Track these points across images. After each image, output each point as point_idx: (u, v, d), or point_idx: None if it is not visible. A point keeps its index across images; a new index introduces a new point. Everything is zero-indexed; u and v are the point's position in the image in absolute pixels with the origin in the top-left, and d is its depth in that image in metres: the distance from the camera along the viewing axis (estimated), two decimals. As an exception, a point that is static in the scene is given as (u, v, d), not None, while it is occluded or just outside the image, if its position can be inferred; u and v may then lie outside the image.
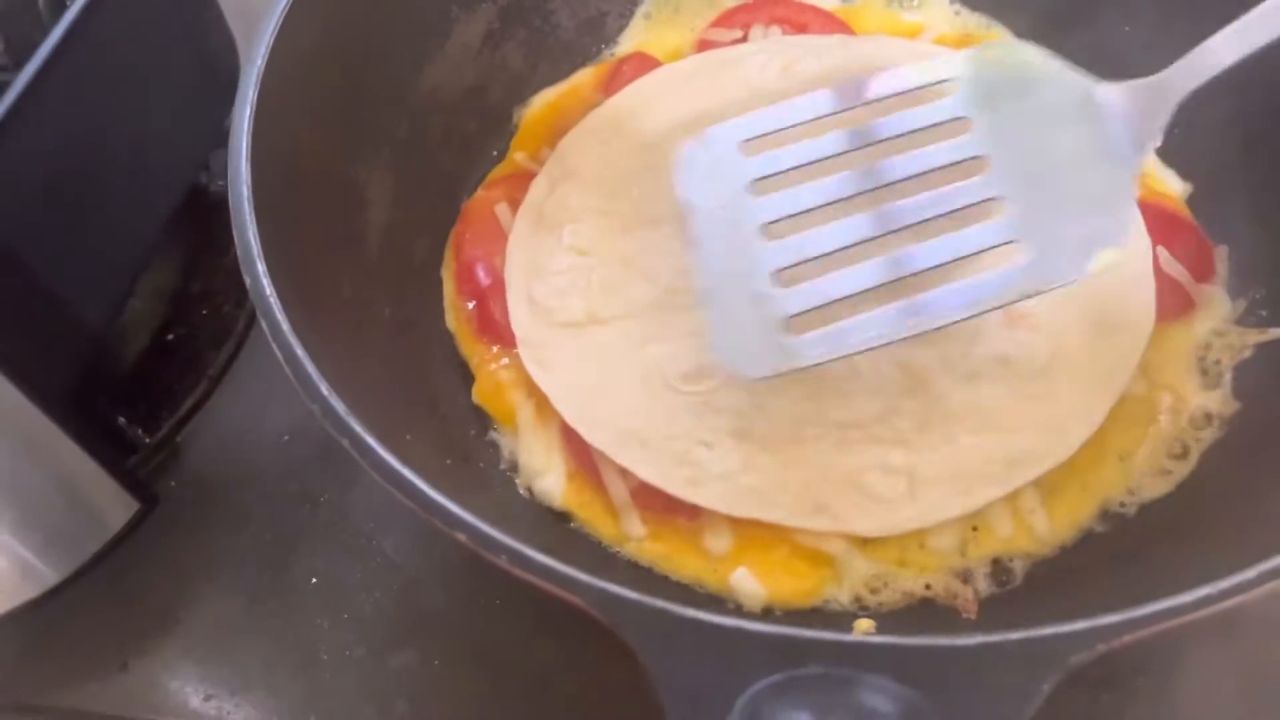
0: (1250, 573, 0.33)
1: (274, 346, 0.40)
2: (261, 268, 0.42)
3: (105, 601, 0.57)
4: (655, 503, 0.51)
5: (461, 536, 0.36)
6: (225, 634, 0.57)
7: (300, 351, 0.40)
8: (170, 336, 0.64)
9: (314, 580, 0.58)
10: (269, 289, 0.41)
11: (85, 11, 0.52)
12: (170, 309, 0.65)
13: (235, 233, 0.43)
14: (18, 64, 0.50)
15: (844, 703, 0.31)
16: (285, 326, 0.40)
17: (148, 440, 0.60)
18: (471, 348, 0.57)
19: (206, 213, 0.67)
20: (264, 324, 0.41)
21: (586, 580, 0.34)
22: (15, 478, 0.50)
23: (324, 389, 0.39)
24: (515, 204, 0.60)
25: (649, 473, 0.50)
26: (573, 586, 0.34)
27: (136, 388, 0.62)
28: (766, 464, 0.50)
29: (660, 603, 0.33)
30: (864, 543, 0.50)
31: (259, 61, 0.48)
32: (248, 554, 0.59)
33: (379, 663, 0.55)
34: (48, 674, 0.56)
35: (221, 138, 0.64)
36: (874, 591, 0.50)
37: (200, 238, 0.67)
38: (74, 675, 0.56)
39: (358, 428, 0.38)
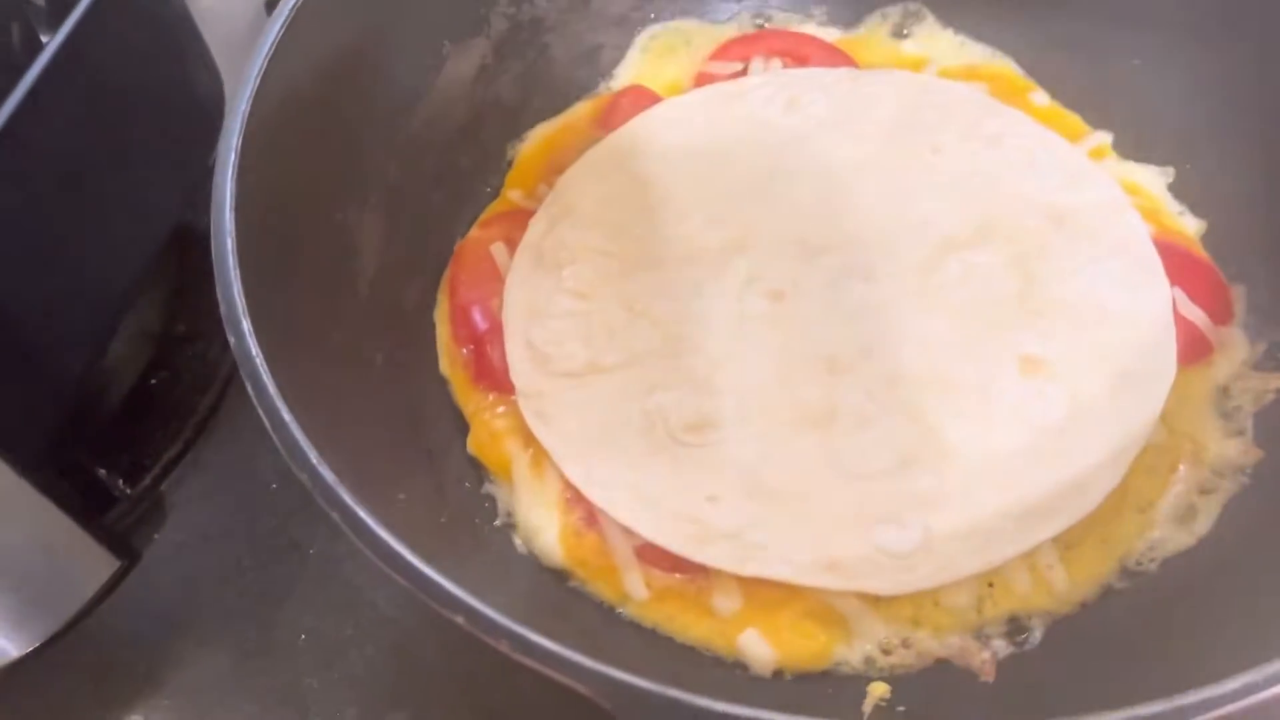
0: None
1: (260, 411, 0.38)
2: (247, 325, 0.40)
3: (85, 663, 0.55)
4: (661, 561, 0.49)
5: (460, 619, 0.34)
6: (211, 696, 0.54)
7: (287, 417, 0.38)
8: (154, 381, 0.62)
9: (303, 637, 0.56)
10: (254, 349, 0.39)
11: (65, 46, 0.50)
12: (154, 352, 0.63)
13: (219, 287, 0.41)
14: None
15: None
16: (271, 390, 0.38)
17: (129, 492, 0.58)
18: (467, 395, 0.55)
19: (192, 250, 0.65)
20: (249, 387, 0.39)
21: (593, 667, 0.32)
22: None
23: (313, 457, 0.37)
24: (511, 243, 0.58)
25: (653, 532, 0.48)
26: (578, 674, 0.32)
27: (118, 436, 0.60)
28: (775, 519, 0.48)
29: (673, 691, 0.31)
30: (877, 601, 0.48)
31: (244, 104, 0.46)
32: (234, 609, 0.57)
33: (373, 723, 0.53)
34: (25, 740, 0.54)
35: (206, 173, 0.63)
36: (887, 653, 0.48)
37: (185, 276, 0.65)
38: (53, 741, 0.54)
39: (348, 499, 0.36)
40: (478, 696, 0.53)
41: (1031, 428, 0.50)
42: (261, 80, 0.47)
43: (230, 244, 0.42)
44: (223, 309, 0.41)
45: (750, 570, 0.47)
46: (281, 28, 0.47)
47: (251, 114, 0.46)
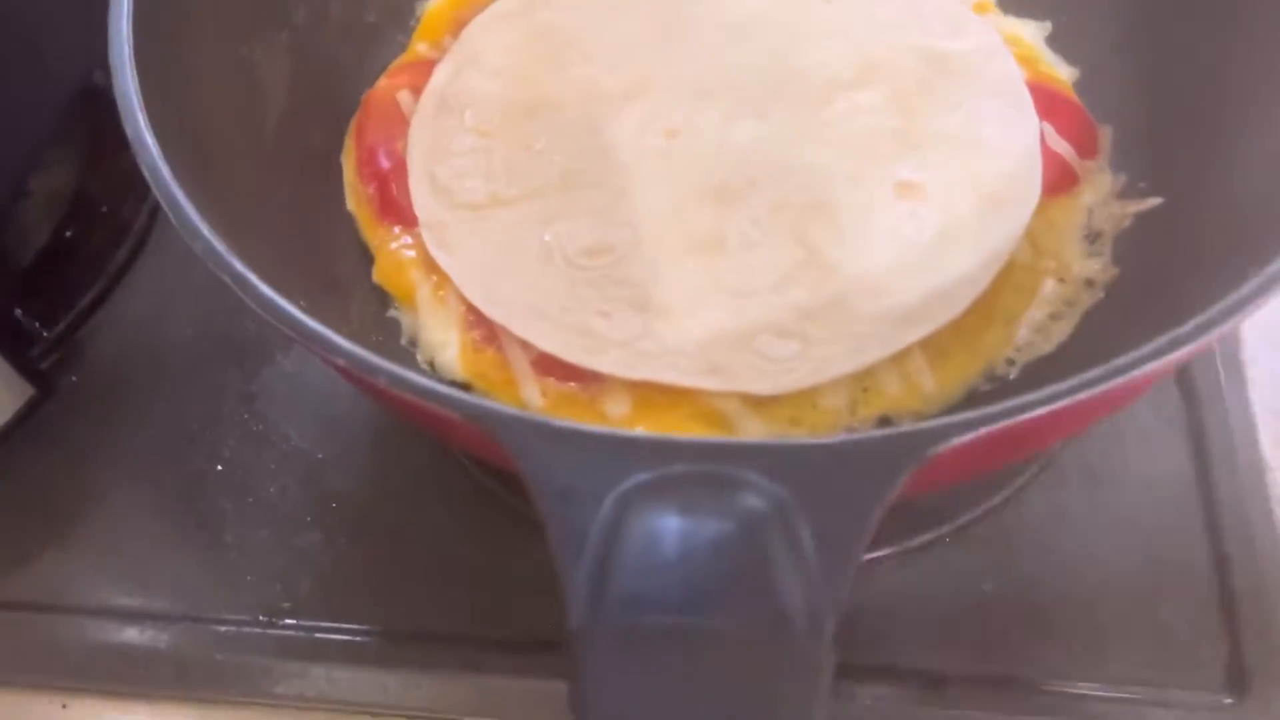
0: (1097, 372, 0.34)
1: (155, 190, 0.40)
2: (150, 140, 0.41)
3: (9, 495, 0.57)
4: (556, 371, 0.51)
5: (341, 362, 0.36)
6: (131, 524, 0.57)
7: (179, 193, 0.39)
8: (69, 234, 0.63)
9: (219, 468, 0.58)
10: (147, 130, 0.40)
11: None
12: (68, 209, 0.64)
13: (118, 97, 0.42)
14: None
15: (712, 495, 0.32)
16: (164, 171, 0.40)
17: (45, 334, 0.59)
18: (372, 230, 0.57)
19: (102, 114, 0.66)
20: (143, 169, 0.40)
21: (467, 399, 0.34)
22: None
23: (204, 230, 0.39)
24: (418, 92, 0.60)
25: (550, 344, 0.51)
26: (452, 404, 0.34)
27: (34, 285, 0.61)
28: (663, 331, 0.51)
29: (538, 416, 0.34)
30: (758, 404, 0.51)
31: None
32: (151, 446, 0.59)
33: (284, 544, 0.55)
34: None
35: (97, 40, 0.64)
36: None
37: (97, 139, 0.66)
38: (-20, 567, 0.56)
39: (239, 266, 0.38)
40: (384, 518, 0.56)
41: (905, 244, 0.53)
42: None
43: (128, 51, 0.43)
44: (124, 121, 0.42)
45: (639, 374, 0.50)
46: None
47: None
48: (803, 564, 0.31)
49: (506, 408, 0.34)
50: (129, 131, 0.42)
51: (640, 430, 0.33)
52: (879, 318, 0.51)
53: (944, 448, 0.32)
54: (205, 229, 0.39)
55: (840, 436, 0.33)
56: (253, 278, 0.38)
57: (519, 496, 0.55)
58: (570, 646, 0.30)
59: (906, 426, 0.33)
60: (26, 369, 0.54)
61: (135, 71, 0.43)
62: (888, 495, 0.32)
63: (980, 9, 0.63)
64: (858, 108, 0.57)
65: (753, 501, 0.32)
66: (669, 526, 0.31)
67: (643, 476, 0.32)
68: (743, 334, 0.51)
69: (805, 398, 0.51)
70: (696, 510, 0.32)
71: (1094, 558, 0.52)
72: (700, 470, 0.32)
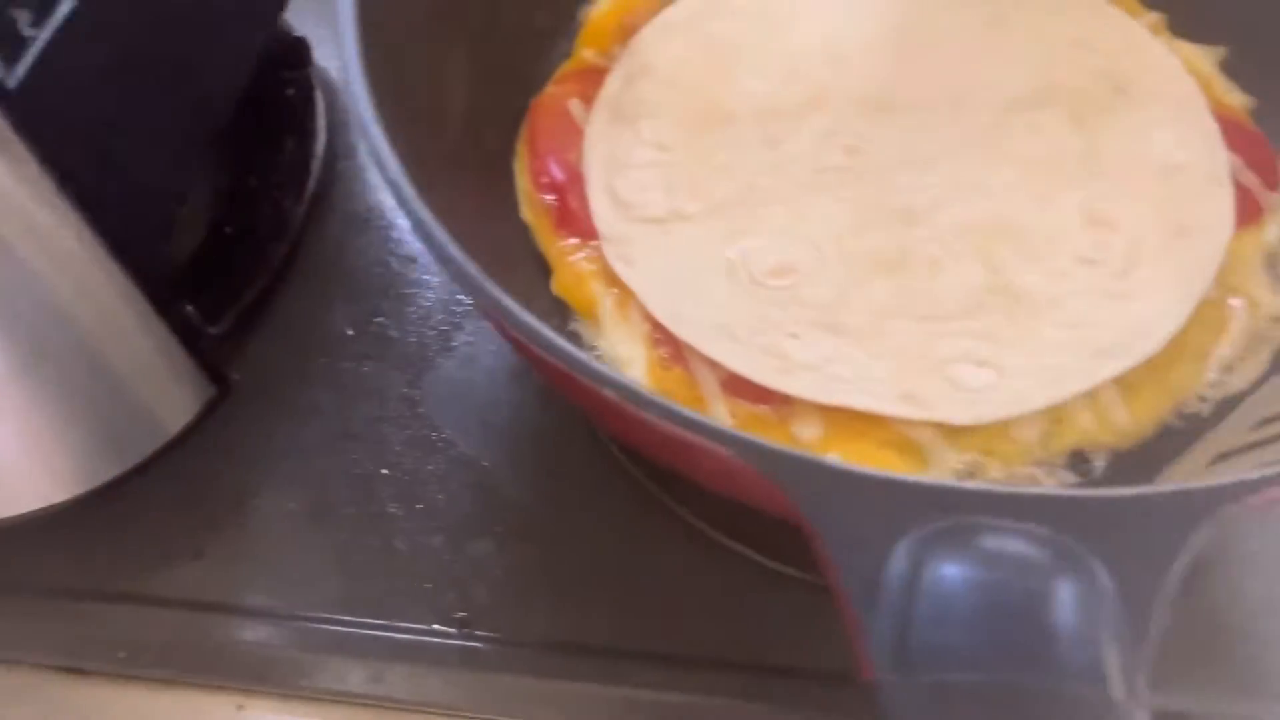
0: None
1: (401, 206, 0.40)
2: (388, 149, 0.41)
3: (175, 491, 0.57)
4: (746, 393, 0.51)
5: (611, 395, 0.36)
6: (299, 522, 0.57)
7: (425, 214, 0.39)
8: (229, 230, 0.63)
9: (385, 472, 0.58)
10: (394, 163, 0.40)
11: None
12: (227, 205, 0.64)
13: (354, 116, 0.42)
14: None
15: (1010, 547, 0.32)
16: (409, 191, 0.40)
17: (212, 331, 0.59)
18: (549, 240, 0.57)
19: (261, 109, 0.66)
20: (390, 189, 0.40)
21: (741, 434, 0.34)
22: (101, 359, 0.49)
23: (439, 233, 0.38)
24: (587, 100, 0.60)
25: (739, 364, 0.50)
26: (726, 439, 0.34)
27: (197, 280, 0.61)
28: (854, 355, 0.51)
29: (817, 456, 0.34)
30: (951, 433, 0.50)
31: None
32: (317, 445, 0.59)
33: (457, 551, 0.55)
34: (122, 561, 0.56)
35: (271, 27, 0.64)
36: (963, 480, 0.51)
37: (257, 134, 0.66)
38: (148, 562, 0.56)
39: (491, 288, 0.38)
40: (557, 531, 0.56)
41: (1096, 274, 0.52)
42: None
43: (359, 65, 0.43)
44: (364, 138, 0.42)
45: (834, 399, 0.50)
46: None
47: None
48: (1108, 620, 0.30)
49: (789, 447, 0.34)
50: (368, 133, 0.41)
51: (914, 477, 0.33)
52: (1073, 350, 0.51)
53: (1250, 499, 0.32)
54: (456, 250, 0.39)
55: (1137, 489, 0.32)
56: (506, 300, 0.38)
57: (694, 511, 0.55)
58: (877, 699, 0.30)
59: (1201, 484, 0.33)
60: (209, 368, 0.53)
61: (366, 75, 0.43)
62: (1190, 548, 0.31)
63: (1153, 32, 0.62)
64: (1038, 129, 0.57)
65: (1051, 554, 0.31)
66: (969, 578, 0.31)
67: (934, 524, 0.32)
68: (935, 361, 0.51)
69: (998, 429, 0.50)
70: (997, 563, 0.32)
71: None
72: (994, 522, 0.32)
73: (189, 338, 0.52)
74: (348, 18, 0.44)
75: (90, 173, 0.43)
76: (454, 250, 0.38)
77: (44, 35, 0.42)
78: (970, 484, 0.33)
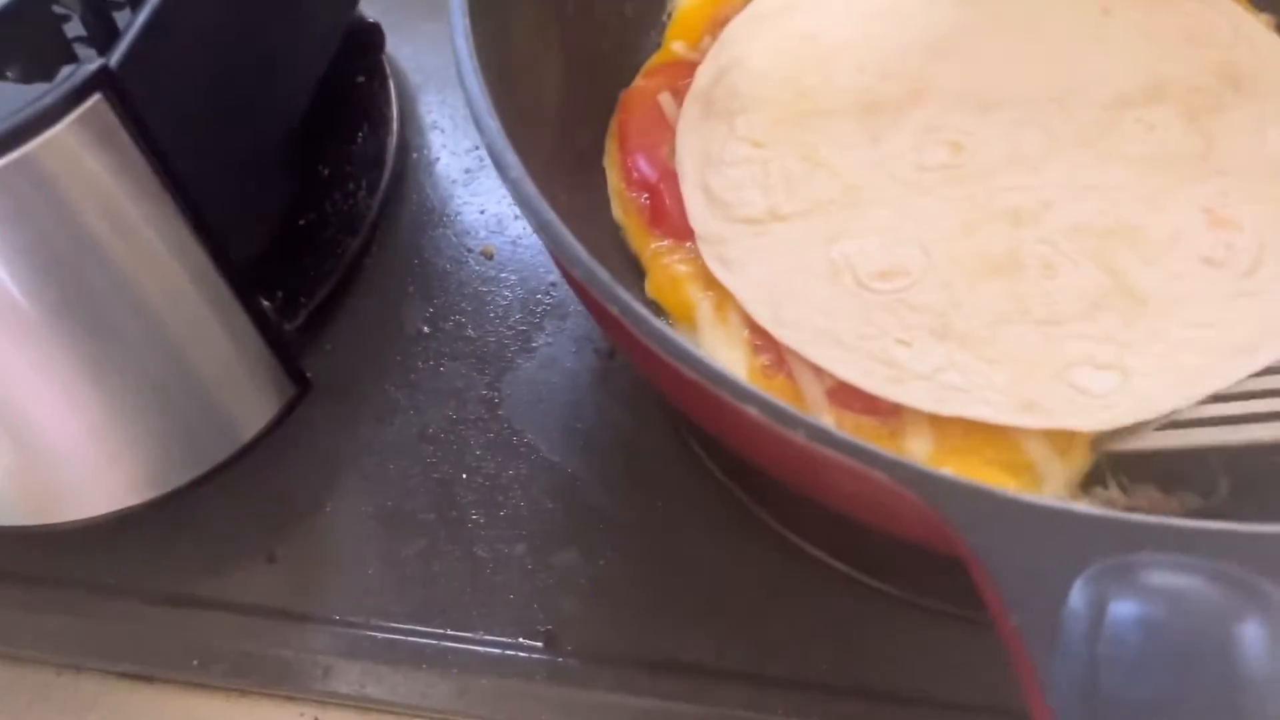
0: None
1: (524, 212, 0.38)
2: (495, 125, 0.39)
3: (248, 493, 0.55)
4: (853, 403, 0.49)
5: (753, 411, 0.33)
6: (377, 527, 0.55)
7: (550, 215, 0.37)
8: (302, 222, 0.61)
9: (465, 476, 0.56)
10: (510, 153, 0.38)
11: None
12: (300, 196, 0.62)
13: (464, 93, 0.40)
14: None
15: (1187, 588, 0.30)
16: (531, 190, 0.38)
17: (287, 327, 0.57)
18: (642, 241, 0.54)
19: (333, 98, 0.64)
20: (511, 189, 0.38)
21: (905, 461, 0.32)
22: (180, 361, 0.47)
23: (584, 255, 0.36)
24: (677, 93, 0.58)
25: (848, 371, 0.48)
26: (888, 466, 0.32)
27: (272, 274, 0.59)
28: (968, 362, 0.48)
29: (985, 485, 0.31)
30: (1064, 450, 0.48)
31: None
32: (394, 447, 0.57)
33: (541, 561, 0.53)
34: (195, 565, 0.54)
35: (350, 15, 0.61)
36: (1073, 499, 0.48)
37: (328, 123, 0.64)
38: (221, 566, 0.54)
39: (624, 295, 0.36)
40: (643, 540, 0.54)
41: (1221, 275, 0.50)
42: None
43: (466, 45, 0.41)
44: (470, 110, 0.40)
45: (949, 409, 0.47)
46: None
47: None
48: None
49: (956, 477, 0.31)
50: (485, 130, 0.39)
51: (1091, 510, 0.31)
52: (1204, 349, 0.48)
53: None
54: (583, 254, 0.36)
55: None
56: (645, 312, 0.36)
57: (790, 524, 0.53)
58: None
59: None
60: (289, 366, 0.51)
61: (477, 66, 0.41)
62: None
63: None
64: (1150, 126, 0.55)
65: (1240, 594, 0.29)
66: (1155, 620, 0.29)
67: (1111, 561, 0.30)
68: (1056, 366, 0.48)
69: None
70: (1183, 603, 0.29)
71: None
72: (1172, 559, 0.30)
73: (270, 334, 0.50)
74: (459, 10, 0.42)
75: (185, 159, 0.41)
76: (583, 254, 0.36)
77: (140, 19, 0.39)
78: (1155, 519, 0.30)
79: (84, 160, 0.37)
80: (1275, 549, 0.30)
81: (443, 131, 0.68)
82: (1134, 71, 0.56)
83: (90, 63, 0.35)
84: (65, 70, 0.35)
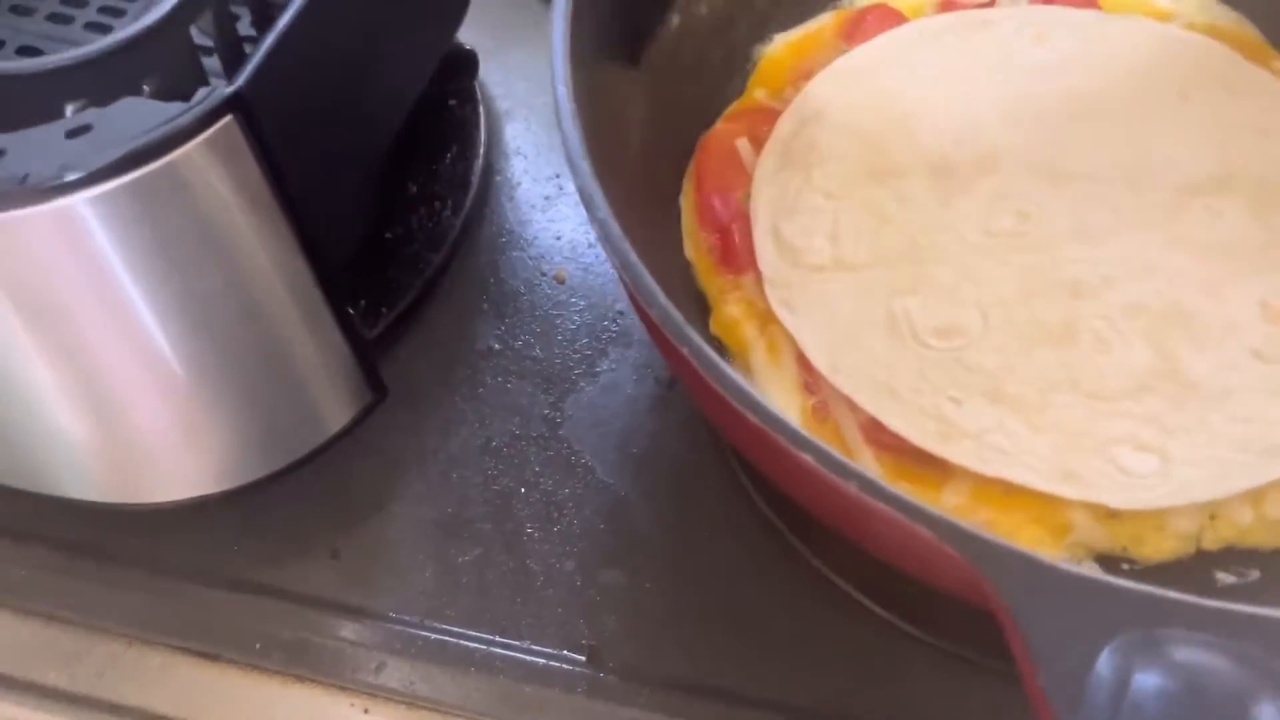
0: None
1: (612, 255, 0.40)
2: (587, 167, 0.42)
3: (317, 489, 0.58)
4: (891, 447, 0.51)
5: (808, 459, 0.36)
6: (436, 533, 0.57)
7: (634, 259, 0.40)
8: (388, 236, 0.64)
9: (523, 490, 0.58)
10: (599, 194, 0.41)
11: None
12: (387, 210, 0.65)
13: (562, 136, 0.43)
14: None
15: (1211, 666, 0.31)
16: (618, 230, 0.40)
17: (366, 334, 0.60)
18: (710, 279, 0.57)
19: (425, 118, 0.67)
20: (597, 229, 0.41)
21: (948, 519, 0.34)
22: (271, 362, 0.50)
23: (661, 298, 0.39)
24: (756, 140, 0.60)
25: (900, 424, 0.50)
26: (932, 523, 0.34)
27: (355, 284, 0.62)
28: (1016, 427, 0.50)
29: (1025, 549, 0.33)
30: (1103, 516, 0.50)
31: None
32: (458, 457, 0.59)
33: (589, 578, 0.55)
34: (262, 554, 0.57)
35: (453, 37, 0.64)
36: (1106, 568, 0.50)
37: (418, 142, 0.67)
38: (287, 557, 0.57)
39: (694, 337, 0.38)
40: (689, 566, 0.56)
41: (1272, 370, 0.51)
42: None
43: (566, 92, 0.43)
44: (565, 153, 0.42)
45: (992, 470, 0.49)
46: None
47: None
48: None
49: (998, 539, 0.33)
50: (578, 171, 0.42)
51: (1124, 581, 0.33)
52: (1242, 445, 0.50)
53: None
54: (660, 295, 0.39)
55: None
56: (712, 355, 0.38)
57: (833, 565, 0.54)
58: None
59: None
60: (371, 374, 0.54)
61: (575, 110, 0.43)
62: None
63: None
64: (1217, 214, 0.56)
65: (1262, 677, 0.31)
66: (1177, 696, 0.31)
67: (1137, 633, 0.32)
68: (1099, 441, 0.50)
69: (1152, 518, 0.50)
70: (1207, 681, 0.31)
71: None
72: (1197, 637, 0.32)
73: (355, 342, 0.53)
74: (560, 56, 0.45)
75: (297, 176, 0.44)
76: (660, 296, 0.39)
77: (266, 45, 0.42)
78: (1184, 597, 0.32)
79: (210, 174, 0.40)
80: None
81: (525, 157, 0.71)
82: (1205, 159, 0.58)
83: (222, 86, 0.39)
84: (201, 92, 0.38)
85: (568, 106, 0.43)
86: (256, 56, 0.42)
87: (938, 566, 0.36)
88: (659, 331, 0.40)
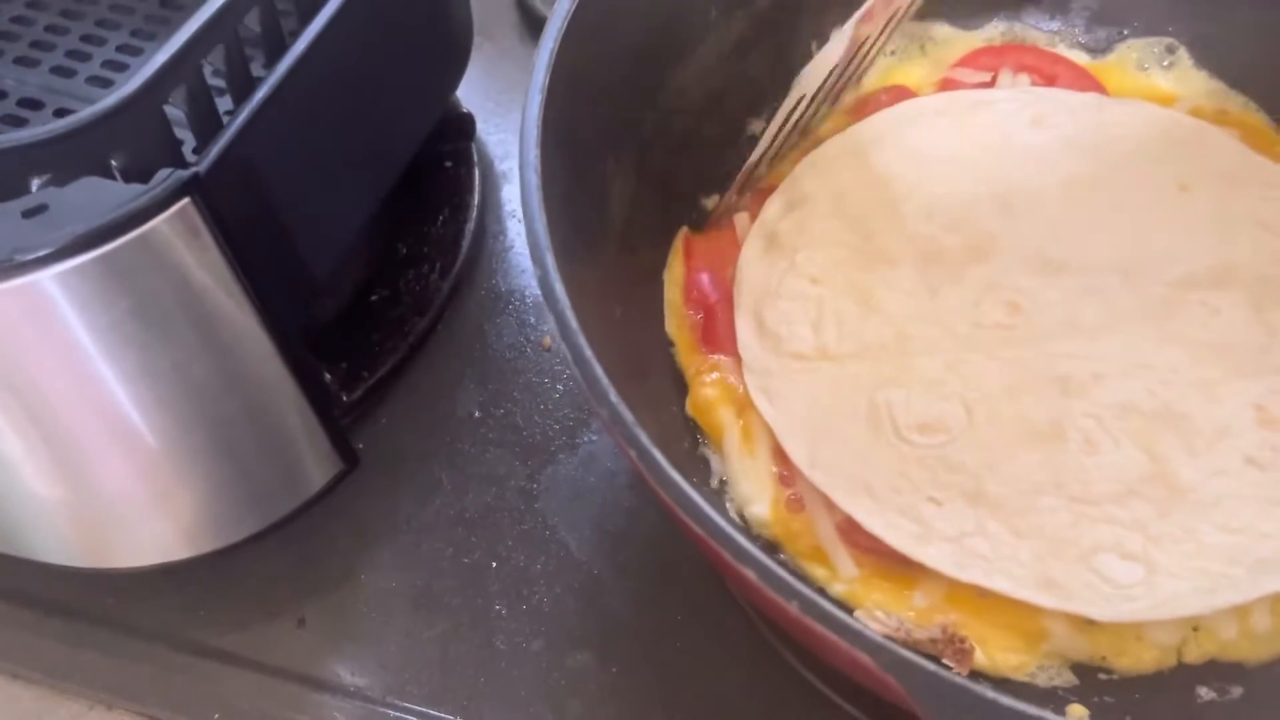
0: None
1: (564, 346, 0.39)
2: (550, 260, 0.41)
3: (288, 556, 0.58)
4: (867, 545, 0.50)
5: (751, 574, 0.35)
6: (405, 605, 0.56)
7: (589, 354, 0.39)
8: (374, 298, 0.64)
9: (494, 564, 0.57)
10: (559, 286, 0.40)
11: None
12: (374, 271, 0.65)
13: (525, 218, 0.42)
14: (301, 17, 0.50)
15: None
16: (574, 325, 0.39)
17: (345, 399, 0.60)
18: (690, 358, 0.56)
19: (418, 179, 0.67)
20: (554, 322, 0.40)
21: (884, 644, 0.33)
22: (239, 431, 0.49)
23: (613, 396, 0.38)
24: (755, 217, 0.59)
25: (876, 524, 0.49)
26: (869, 648, 0.33)
27: (337, 346, 0.62)
28: (997, 531, 0.49)
29: (958, 679, 0.32)
30: (1082, 625, 0.48)
31: (551, 45, 0.47)
32: (431, 527, 0.59)
33: (556, 660, 0.54)
34: (227, 620, 0.56)
35: (445, 105, 0.64)
36: (1083, 678, 0.48)
37: (410, 202, 0.67)
38: (252, 625, 0.56)
39: (643, 439, 0.37)
40: (658, 650, 0.55)
41: (1264, 478, 0.49)
42: (565, 29, 0.48)
43: (536, 180, 0.43)
44: (529, 238, 0.42)
45: (969, 577, 0.48)
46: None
47: (556, 61, 0.47)
48: None
49: (928, 665, 0.32)
50: (534, 248, 0.41)
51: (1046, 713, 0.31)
52: (1231, 557, 0.48)
53: None
54: (614, 396, 0.38)
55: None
56: (657, 455, 0.37)
57: (804, 662, 0.53)
58: None
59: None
60: (341, 443, 0.54)
61: (539, 181, 0.43)
62: None
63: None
64: (1214, 311, 0.54)
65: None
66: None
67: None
68: (1082, 548, 0.48)
69: (1132, 628, 0.48)
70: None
71: None
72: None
73: (326, 411, 0.52)
74: (530, 135, 0.44)
75: (264, 253, 0.44)
76: (613, 396, 0.38)
77: (233, 127, 0.42)
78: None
79: (169, 252, 0.40)
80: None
81: (520, 221, 0.70)
82: (1204, 252, 0.56)
83: (180, 171, 0.38)
84: (160, 174, 0.38)
85: (536, 197, 0.42)
86: (222, 138, 0.41)
87: (881, 685, 0.35)
88: (612, 431, 0.39)
